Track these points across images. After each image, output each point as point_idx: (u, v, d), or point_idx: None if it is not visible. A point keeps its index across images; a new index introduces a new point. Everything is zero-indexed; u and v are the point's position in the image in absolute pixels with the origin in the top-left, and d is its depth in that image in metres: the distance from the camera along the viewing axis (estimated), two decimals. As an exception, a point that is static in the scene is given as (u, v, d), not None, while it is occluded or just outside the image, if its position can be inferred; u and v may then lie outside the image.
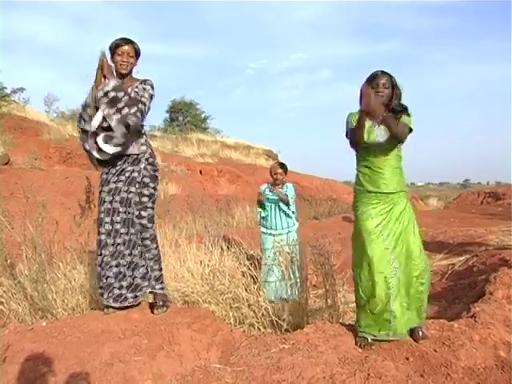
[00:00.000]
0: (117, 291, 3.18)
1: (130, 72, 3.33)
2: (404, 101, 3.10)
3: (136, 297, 3.25)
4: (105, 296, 3.19)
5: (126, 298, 3.20)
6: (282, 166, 5.30)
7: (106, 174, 3.28)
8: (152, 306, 3.32)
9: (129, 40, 3.28)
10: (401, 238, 3.01)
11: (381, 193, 3.02)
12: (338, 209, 14.15)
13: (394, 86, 3.04)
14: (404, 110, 3.07)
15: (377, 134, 3.02)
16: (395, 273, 2.97)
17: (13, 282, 3.52)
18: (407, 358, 2.87)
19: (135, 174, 3.25)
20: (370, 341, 3.04)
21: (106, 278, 3.19)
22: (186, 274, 3.97)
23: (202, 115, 32.34)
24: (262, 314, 3.67)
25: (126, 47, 3.26)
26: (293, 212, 5.21)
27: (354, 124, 3.04)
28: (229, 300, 3.78)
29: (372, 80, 3.03)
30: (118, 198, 3.20)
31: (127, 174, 3.24)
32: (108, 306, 3.23)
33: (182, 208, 10.54)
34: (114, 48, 3.24)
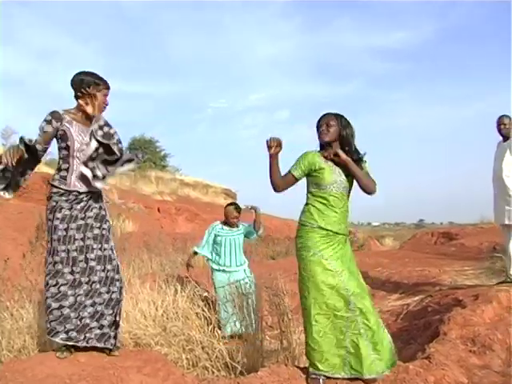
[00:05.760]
0: (98, 331, 3.00)
1: None
2: (359, 139, 3.12)
3: (116, 336, 3.09)
4: (81, 338, 2.96)
5: (109, 337, 3.04)
6: (237, 208, 5.29)
7: (70, 209, 3.08)
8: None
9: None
10: (353, 279, 3.00)
11: (334, 232, 3.00)
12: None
13: (342, 125, 3.05)
14: (360, 158, 3.08)
15: (337, 173, 3.03)
16: (353, 312, 2.93)
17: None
18: (363, 401, 2.83)
19: (103, 212, 3.19)
20: (321, 382, 2.98)
21: (81, 320, 2.98)
22: (137, 315, 3.84)
23: (162, 153, 32.37)
24: (216, 357, 3.57)
25: (109, 90, 3.18)
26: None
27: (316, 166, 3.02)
28: (182, 342, 3.67)
29: (317, 124, 3.09)
30: (90, 235, 3.07)
31: (95, 211, 3.14)
32: (67, 349, 2.99)
33: (139, 246, 10.35)
34: (99, 84, 3.09)
